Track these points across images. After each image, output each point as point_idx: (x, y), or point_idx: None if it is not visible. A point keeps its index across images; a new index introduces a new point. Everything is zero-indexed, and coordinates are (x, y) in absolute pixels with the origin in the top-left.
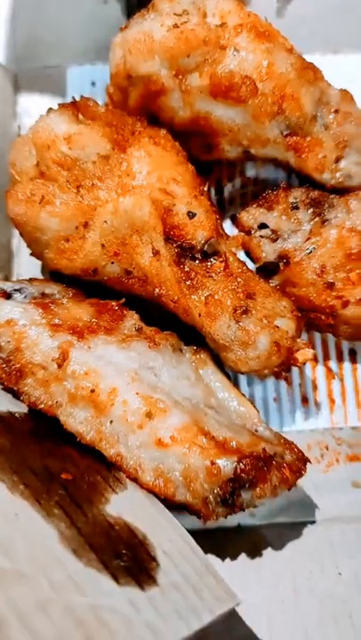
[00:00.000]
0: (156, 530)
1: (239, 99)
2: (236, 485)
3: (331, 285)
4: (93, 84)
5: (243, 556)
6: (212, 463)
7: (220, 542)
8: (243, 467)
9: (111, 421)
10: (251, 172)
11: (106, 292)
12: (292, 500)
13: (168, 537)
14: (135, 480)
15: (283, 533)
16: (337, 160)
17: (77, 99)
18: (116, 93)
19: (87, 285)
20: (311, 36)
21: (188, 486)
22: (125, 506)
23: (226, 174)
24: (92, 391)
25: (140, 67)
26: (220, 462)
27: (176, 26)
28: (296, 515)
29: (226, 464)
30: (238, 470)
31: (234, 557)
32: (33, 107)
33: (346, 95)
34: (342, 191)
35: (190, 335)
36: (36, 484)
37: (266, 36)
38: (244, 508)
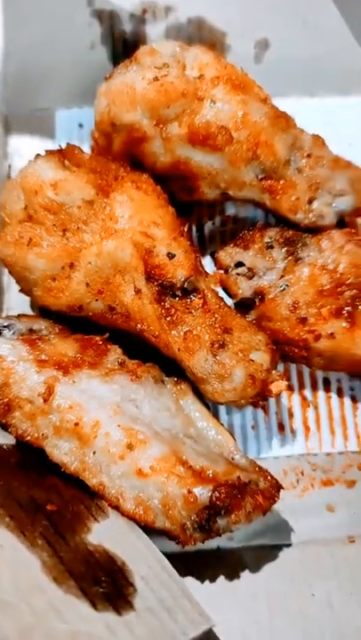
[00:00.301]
0: (135, 556)
1: (216, 147)
2: (211, 512)
3: (303, 320)
4: (81, 125)
5: (221, 579)
6: (189, 492)
7: (199, 565)
8: (218, 495)
9: (94, 452)
10: (230, 210)
11: (91, 326)
12: (270, 524)
13: (146, 562)
14: (117, 508)
15: (260, 556)
16: (310, 201)
17: (65, 140)
18: (101, 138)
19: (74, 319)
20: (288, 80)
21: (167, 513)
22: (106, 534)
23: (206, 213)
24: (76, 424)
25: (123, 116)
26: (197, 490)
27: (156, 79)
28: (273, 538)
29: (202, 492)
30: (214, 498)
31: (213, 580)
32: (23, 147)
33: (317, 140)
34: (315, 230)
35: (172, 366)
36: (21, 516)
37: (241, 87)
38: (221, 533)
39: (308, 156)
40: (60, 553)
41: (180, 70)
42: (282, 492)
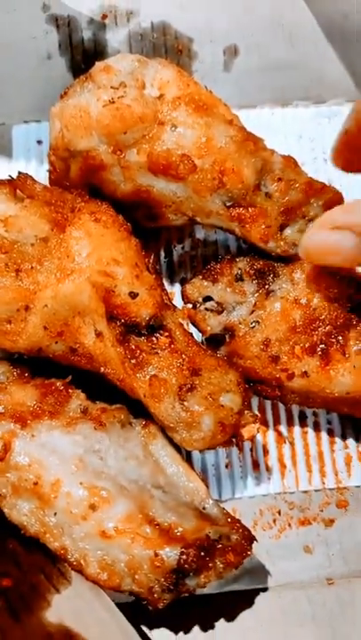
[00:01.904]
0: (99, 631)
1: (178, 176)
2: (180, 575)
3: (275, 359)
4: (39, 142)
5: (196, 630)
6: (156, 554)
7: (172, 613)
8: (186, 557)
9: (55, 513)
10: (200, 233)
11: (54, 364)
12: (245, 568)
13: (111, 637)
14: (80, 572)
15: (236, 602)
16: (281, 228)
17: (23, 158)
18: (58, 162)
19: (35, 358)
20: (260, 89)
21: (133, 577)
22: (68, 606)
23: (175, 236)
24: (36, 483)
25: (77, 143)
26: (164, 553)
27: (112, 101)
28: (249, 582)
29: (169, 555)
30: (181, 561)
31: (187, 631)
32: None
33: (289, 161)
34: (289, 259)
35: (141, 405)
36: None
37: (204, 109)
38: (191, 592)
39: (280, 179)
40: None
41: (139, 90)
42: (258, 533)
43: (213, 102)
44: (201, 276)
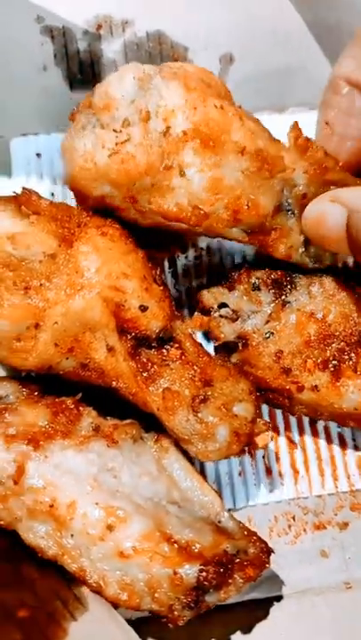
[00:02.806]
0: None
1: (191, 225)
2: (199, 592)
3: (287, 371)
4: (38, 155)
5: None
6: (175, 572)
7: (187, 627)
8: (205, 575)
9: (72, 535)
10: (203, 242)
11: (64, 381)
12: (263, 576)
13: None
14: (100, 593)
15: (254, 611)
16: (305, 245)
17: (22, 171)
18: (76, 192)
19: (45, 375)
20: (256, 95)
21: (153, 596)
22: (83, 633)
23: (178, 246)
24: (51, 506)
25: (91, 190)
26: (183, 571)
27: (116, 151)
28: (267, 590)
29: (189, 572)
30: (201, 578)
31: None
32: None
33: (316, 175)
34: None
35: (152, 418)
36: None
37: (212, 147)
38: (211, 607)
39: (304, 195)
40: None
41: (143, 126)
42: (274, 539)
43: (224, 127)
44: (220, 284)
